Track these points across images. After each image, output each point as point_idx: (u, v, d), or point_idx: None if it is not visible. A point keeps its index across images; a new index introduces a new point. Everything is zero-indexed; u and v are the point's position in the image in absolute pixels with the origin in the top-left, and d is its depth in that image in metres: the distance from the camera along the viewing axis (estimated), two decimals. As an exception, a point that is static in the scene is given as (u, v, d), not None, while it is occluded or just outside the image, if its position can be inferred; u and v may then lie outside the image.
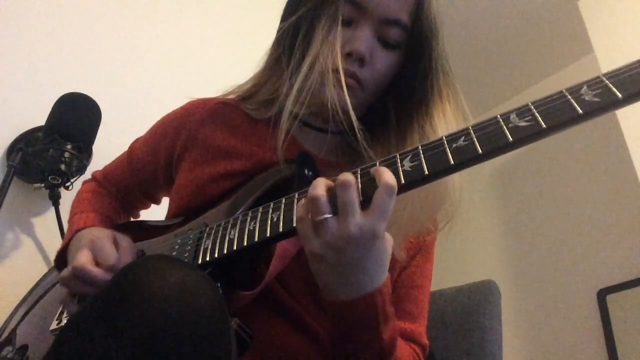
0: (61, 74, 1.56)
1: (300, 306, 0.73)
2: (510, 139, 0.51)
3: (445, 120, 0.79)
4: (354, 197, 0.54)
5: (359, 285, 0.58)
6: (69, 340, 0.47)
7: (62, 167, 1.30)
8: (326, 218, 0.55)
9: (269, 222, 0.62)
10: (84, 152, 1.37)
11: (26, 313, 0.92)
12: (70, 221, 0.92)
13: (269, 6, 2.20)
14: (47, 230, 1.41)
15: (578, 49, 2.72)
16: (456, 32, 2.66)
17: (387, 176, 0.54)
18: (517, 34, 2.73)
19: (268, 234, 0.61)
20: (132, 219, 1.05)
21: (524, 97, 3.05)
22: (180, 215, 0.83)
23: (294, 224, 0.59)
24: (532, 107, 0.51)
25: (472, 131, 0.54)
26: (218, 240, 0.65)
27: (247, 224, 0.64)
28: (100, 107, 1.39)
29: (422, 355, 0.77)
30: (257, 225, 0.62)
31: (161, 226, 0.84)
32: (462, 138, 0.54)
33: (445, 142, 0.55)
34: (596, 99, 0.48)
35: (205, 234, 0.68)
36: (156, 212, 1.06)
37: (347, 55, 0.76)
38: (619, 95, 0.47)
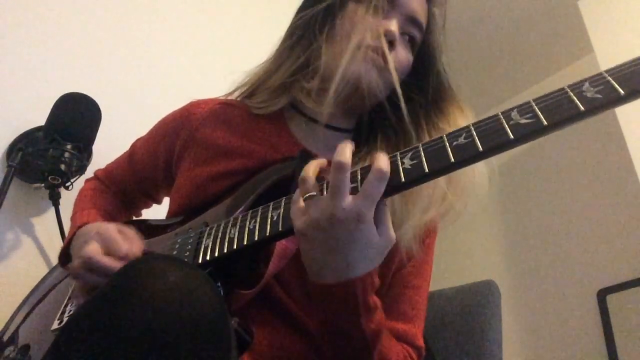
0: (61, 74, 1.56)
1: (298, 306, 0.73)
2: (512, 136, 0.50)
3: (451, 125, 0.81)
4: (344, 179, 0.54)
5: (339, 270, 0.58)
6: (68, 339, 0.47)
7: (62, 167, 1.30)
8: (312, 195, 0.56)
9: (269, 221, 0.61)
10: (84, 152, 1.37)
11: (28, 313, 0.92)
12: (72, 219, 0.92)
13: (269, 6, 2.20)
14: (47, 230, 1.41)
15: (578, 49, 2.72)
16: (456, 32, 2.65)
17: (380, 161, 0.55)
18: (517, 34, 2.73)
19: (268, 233, 0.61)
20: (133, 218, 1.05)
21: (524, 97, 3.05)
22: (180, 214, 0.83)
23: None
24: (534, 104, 0.51)
25: (472, 128, 0.54)
26: (218, 240, 0.65)
27: (247, 223, 0.64)
28: (100, 107, 1.39)
29: (417, 358, 0.76)
30: (257, 225, 0.62)
31: (161, 225, 0.84)
32: (463, 135, 0.54)
33: (445, 139, 0.55)
34: (598, 96, 0.48)
35: (206, 233, 0.68)
36: (157, 211, 1.07)
37: (383, 36, 0.80)
38: (621, 91, 0.47)
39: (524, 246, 2.75)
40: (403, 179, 0.55)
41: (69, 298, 0.85)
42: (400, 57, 0.84)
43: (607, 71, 0.49)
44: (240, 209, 0.70)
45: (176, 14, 2.00)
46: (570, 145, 2.66)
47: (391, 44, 0.81)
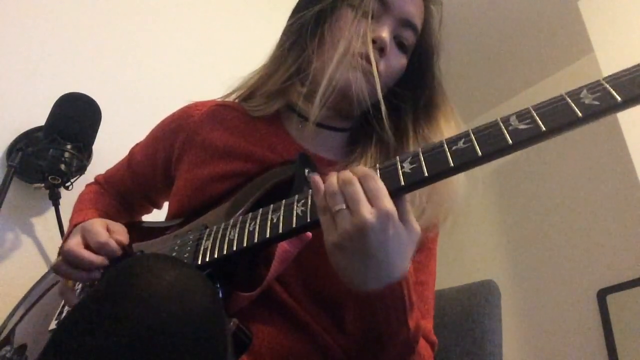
0: (61, 74, 1.56)
1: (300, 307, 0.73)
2: (510, 141, 0.51)
3: (448, 129, 0.82)
4: (357, 190, 0.54)
5: (381, 275, 0.58)
6: (63, 338, 0.47)
7: (62, 167, 1.30)
8: (341, 209, 0.55)
9: (269, 223, 0.62)
10: (84, 152, 1.37)
11: (25, 313, 0.92)
12: (70, 220, 0.92)
13: (270, 7, 2.20)
14: (47, 230, 1.41)
15: (578, 49, 2.72)
16: (456, 32, 2.65)
17: (360, 169, 0.57)
18: (517, 34, 2.73)
19: (268, 235, 0.61)
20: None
21: (524, 97, 3.07)
22: (179, 216, 0.83)
23: (294, 225, 0.59)
24: (532, 110, 0.52)
25: (471, 134, 0.54)
26: (218, 241, 0.65)
27: (247, 225, 0.64)
28: (100, 107, 1.39)
29: (432, 353, 0.77)
30: (257, 226, 0.62)
31: (161, 227, 0.84)
32: (462, 140, 0.54)
33: (445, 144, 0.56)
34: (595, 102, 0.48)
35: (205, 235, 0.68)
36: (156, 214, 1.07)
37: (372, 43, 0.80)
38: (619, 98, 0.47)
39: (524, 246, 2.75)
40: (403, 183, 0.55)
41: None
42: (392, 62, 0.83)
43: (604, 78, 0.50)
44: (240, 212, 0.70)
45: (176, 14, 2.00)
46: (570, 145, 2.66)
47: (382, 50, 0.81)
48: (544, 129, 0.50)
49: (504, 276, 2.71)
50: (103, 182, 1.03)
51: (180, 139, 0.90)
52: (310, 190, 0.62)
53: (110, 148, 1.33)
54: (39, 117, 1.36)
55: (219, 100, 0.96)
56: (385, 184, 0.55)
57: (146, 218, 1.08)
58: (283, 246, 0.67)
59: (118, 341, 0.44)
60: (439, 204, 0.75)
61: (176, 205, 0.85)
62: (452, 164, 0.53)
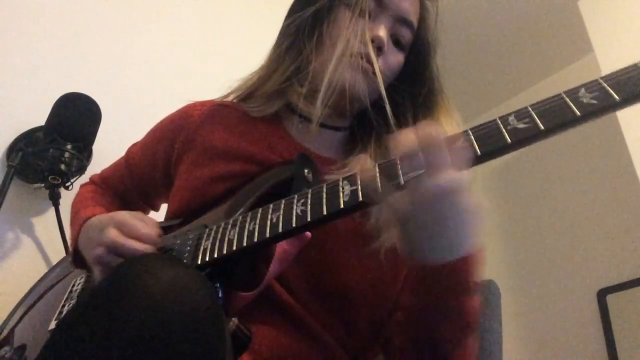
0: (61, 74, 1.56)
1: (301, 306, 0.73)
2: (509, 140, 0.51)
3: (449, 128, 0.82)
4: (443, 154, 0.51)
5: (451, 248, 0.55)
6: (62, 338, 0.47)
7: (62, 167, 1.31)
8: (420, 174, 0.51)
9: (269, 222, 0.62)
10: (84, 152, 1.37)
11: (24, 313, 0.92)
12: (73, 219, 0.91)
13: (270, 7, 2.20)
14: (47, 230, 1.41)
15: (578, 49, 2.72)
16: (456, 32, 2.66)
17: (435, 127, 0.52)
18: (517, 34, 2.73)
19: (267, 235, 0.61)
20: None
21: (524, 97, 3.07)
22: (179, 216, 0.83)
23: (293, 225, 0.59)
24: (530, 109, 0.52)
25: (470, 133, 0.54)
26: (217, 241, 0.65)
27: (247, 224, 0.64)
28: (100, 107, 1.39)
29: None
30: (257, 226, 0.62)
31: (160, 227, 0.83)
32: (461, 140, 0.54)
33: None
34: (593, 101, 0.49)
35: (205, 235, 0.68)
36: (155, 215, 1.06)
37: (370, 42, 0.80)
38: (616, 97, 0.48)
39: (524, 246, 2.75)
40: (402, 182, 0.55)
41: (67, 298, 0.85)
42: (390, 60, 0.84)
43: (602, 77, 0.50)
44: (240, 212, 0.70)
45: (176, 14, 2.00)
46: (570, 144, 2.66)
47: (379, 49, 0.81)
48: (542, 127, 0.50)
49: (504, 276, 2.71)
50: (99, 182, 1.02)
51: (180, 140, 0.89)
52: (310, 190, 0.62)
53: (110, 148, 1.33)
54: (39, 117, 1.36)
55: (218, 100, 0.95)
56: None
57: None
58: (283, 246, 0.67)
59: (117, 342, 0.44)
60: None
61: (176, 206, 0.84)
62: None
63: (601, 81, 0.49)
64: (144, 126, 1.02)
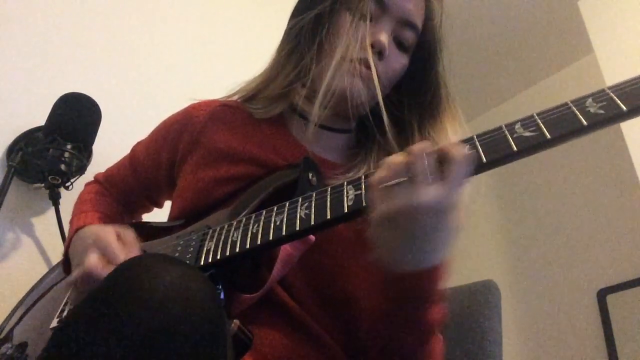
0: (61, 74, 1.55)
1: (303, 309, 0.73)
2: (515, 148, 0.51)
3: (454, 131, 0.82)
4: (428, 165, 0.52)
5: (423, 258, 0.56)
6: (64, 339, 0.47)
7: (62, 167, 1.30)
8: (401, 181, 0.53)
9: (272, 225, 0.61)
10: (84, 152, 1.37)
11: (24, 314, 0.91)
12: (71, 222, 0.91)
13: (271, 7, 2.20)
14: (47, 230, 1.41)
15: (578, 49, 2.72)
16: (456, 32, 2.65)
17: (462, 147, 0.53)
18: (516, 34, 2.73)
19: (271, 238, 0.61)
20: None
21: (524, 97, 3.07)
22: (182, 217, 0.82)
23: (297, 228, 0.59)
24: (537, 118, 0.52)
25: (476, 140, 0.54)
26: (221, 242, 0.65)
27: (251, 226, 0.64)
28: (100, 107, 1.39)
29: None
30: (260, 229, 0.62)
31: (163, 228, 0.83)
32: (467, 147, 0.54)
33: None
34: (601, 111, 0.49)
35: (208, 236, 0.68)
36: (158, 214, 1.06)
37: (370, 47, 0.79)
38: (624, 107, 0.48)
39: (524, 246, 2.75)
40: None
41: (69, 297, 0.85)
42: (393, 64, 0.82)
43: (610, 87, 0.50)
44: (243, 214, 0.70)
45: (176, 14, 1.99)
46: (570, 144, 2.65)
47: (380, 54, 0.80)
48: (548, 136, 0.50)
49: (504, 276, 2.71)
50: (103, 181, 1.02)
51: (184, 140, 0.89)
52: (315, 193, 0.62)
53: (110, 148, 1.33)
54: (39, 117, 1.36)
55: (222, 100, 0.95)
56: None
57: (147, 217, 1.07)
58: (286, 249, 0.67)
59: (118, 342, 0.44)
60: None
61: (179, 207, 0.84)
62: None
63: (608, 91, 0.50)
64: (144, 126, 1.02)
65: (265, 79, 0.90)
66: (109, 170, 1.05)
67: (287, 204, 0.63)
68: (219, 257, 0.64)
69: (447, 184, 0.52)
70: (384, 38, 0.79)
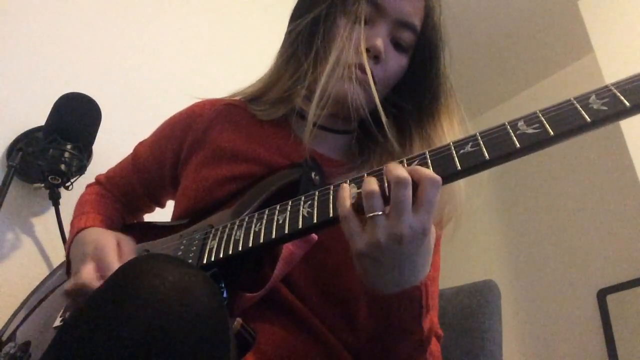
0: (61, 74, 1.55)
1: (306, 307, 0.73)
2: (518, 145, 0.51)
3: (450, 130, 0.82)
4: (408, 194, 0.52)
5: (403, 281, 0.58)
6: (67, 339, 0.47)
7: (62, 167, 1.30)
8: (378, 215, 0.53)
9: (275, 224, 0.62)
10: (84, 152, 1.37)
11: (27, 315, 0.91)
12: (72, 223, 0.91)
13: (272, 7, 2.20)
14: (47, 230, 1.41)
15: (578, 49, 2.72)
16: (456, 32, 2.65)
17: (427, 171, 0.54)
18: (516, 34, 2.74)
19: (273, 236, 0.61)
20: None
21: (525, 97, 3.07)
22: (186, 216, 0.82)
23: (300, 227, 0.59)
24: (540, 115, 0.52)
25: (479, 137, 0.54)
26: (223, 241, 0.65)
27: (253, 225, 0.64)
28: (100, 107, 1.39)
29: (439, 344, 0.78)
30: (263, 227, 0.62)
31: (166, 227, 0.83)
32: (470, 144, 0.54)
33: (452, 147, 0.55)
34: (604, 108, 0.49)
35: (211, 235, 0.68)
36: (161, 214, 1.06)
37: (365, 51, 0.79)
38: (627, 104, 0.48)
39: (524, 246, 2.75)
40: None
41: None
42: (390, 66, 0.82)
43: (612, 84, 0.50)
44: (246, 213, 0.70)
45: (176, 14, 1.99)
46: (570, 144, 2.65)
47: (376, 57, 0.79)
48: (552, 133, 0.50)
49: (504, 276, 2.71)
50: (105, 182, 1.02)
51: (189, 139, 0.89)
52: (317, 192, 0.62)
53: (110, 148, 1.33)
54: (39, 117, 1.36)
55: (225, 99, 0.95)
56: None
57: (149, 217, 1.07)
58: (289, 247, 0.67)
59: (122, 341, 0.44)
60: (440, 207, 0.74)
61: (183, 206, 0.84)
62: (459, 167, 0.53)
63: (612, 87, 0.50)
64: (144, 126, 1.02)
65: (265, 84, 0.90)
66: (110, 171, 1.04)
67: (290, 202, 0.63)
68: (221, 255, 0.64)
69: (420, 209, 0.53)
70: (380, 42, 0.78)
